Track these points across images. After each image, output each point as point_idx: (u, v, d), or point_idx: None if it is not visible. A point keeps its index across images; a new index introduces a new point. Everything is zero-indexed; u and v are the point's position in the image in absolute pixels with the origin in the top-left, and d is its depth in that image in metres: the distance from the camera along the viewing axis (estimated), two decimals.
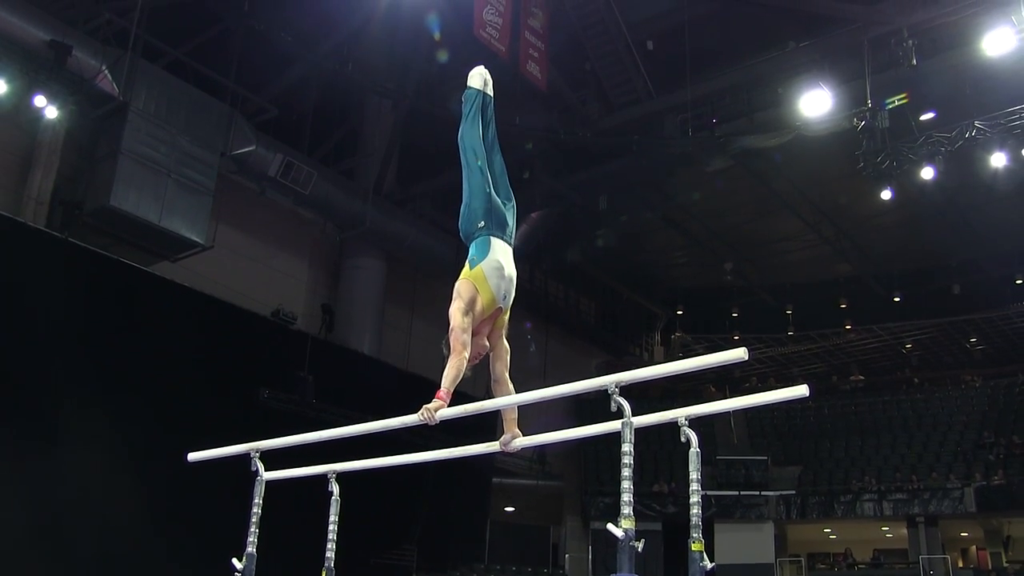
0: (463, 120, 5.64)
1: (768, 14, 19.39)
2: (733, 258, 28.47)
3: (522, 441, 5.42)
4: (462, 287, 5.26)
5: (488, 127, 5.69)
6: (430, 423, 5.01)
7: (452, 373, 5.05)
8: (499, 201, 5.49)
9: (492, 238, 5.39)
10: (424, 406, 4.99)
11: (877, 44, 17.51)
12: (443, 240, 22.71)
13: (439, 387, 5.01)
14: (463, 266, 5.40)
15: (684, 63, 18.87)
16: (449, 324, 5.17)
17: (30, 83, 15.11)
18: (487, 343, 5.36)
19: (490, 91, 5.70)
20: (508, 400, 5.15)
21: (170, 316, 16.18)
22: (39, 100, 15.23)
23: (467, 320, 5.16)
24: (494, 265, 5.30)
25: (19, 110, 15.75)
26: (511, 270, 5.37)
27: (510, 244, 5.48)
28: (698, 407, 4.85)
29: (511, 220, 5.54)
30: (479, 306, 5.22)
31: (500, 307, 5.33)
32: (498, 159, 5.66)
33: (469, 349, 5.13)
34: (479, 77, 5.69)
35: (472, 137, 5.60)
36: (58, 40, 14.94)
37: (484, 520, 23.85)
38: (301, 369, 18.30)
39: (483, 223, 5.40)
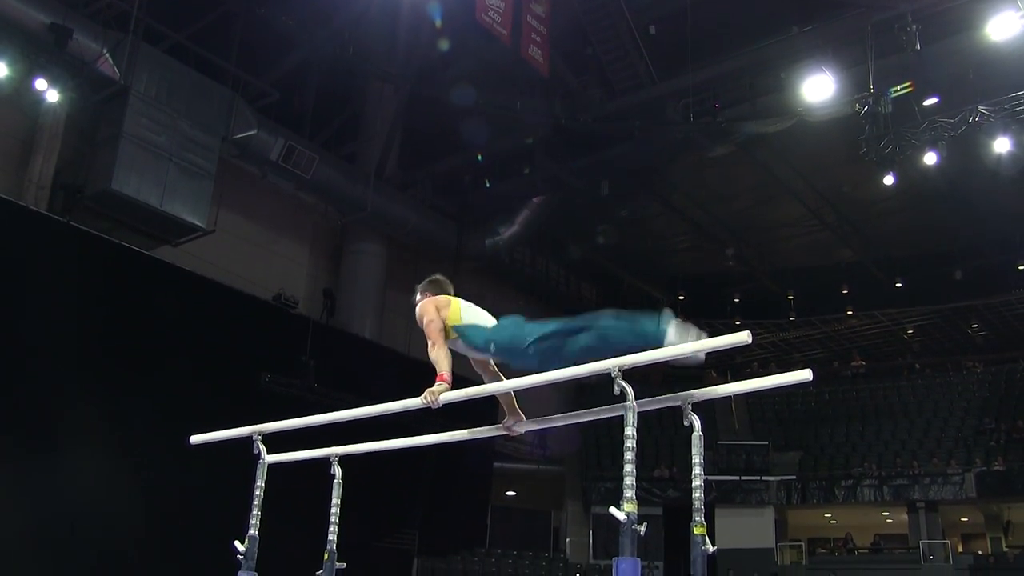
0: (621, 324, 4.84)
1: None
2: (735, 243, 28.42)
3: (525, 425, 5.42)
4: (438, 312, 5.29)
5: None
6: (433, 407, 5.00)
7: (443, 357, 5.08)
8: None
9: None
10: (427, 389, 4.98)
11: (880, 29, 17.44)
12: (444, 224, 22.75)
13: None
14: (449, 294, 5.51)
15: (686, 48, 18.81)
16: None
17: (31, 66, 15.07)
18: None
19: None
20: (510, 384, 5.14)
21: (171, 300, 16.16)
22: (40, 84, 15.18)
23: (439, 315, 5.25)
24: (475, 349, 5.30)
25: (20, 94, 15.71)
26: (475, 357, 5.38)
27: None
28: (702, 391, 4.83)
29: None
30: (436, 325, 5.25)
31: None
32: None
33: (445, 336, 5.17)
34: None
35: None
36: (59, 23, 14.89)
37: (485, 504, 23.89)
38: (302, 353, 18.30)
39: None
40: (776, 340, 31.47)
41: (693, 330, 4.62)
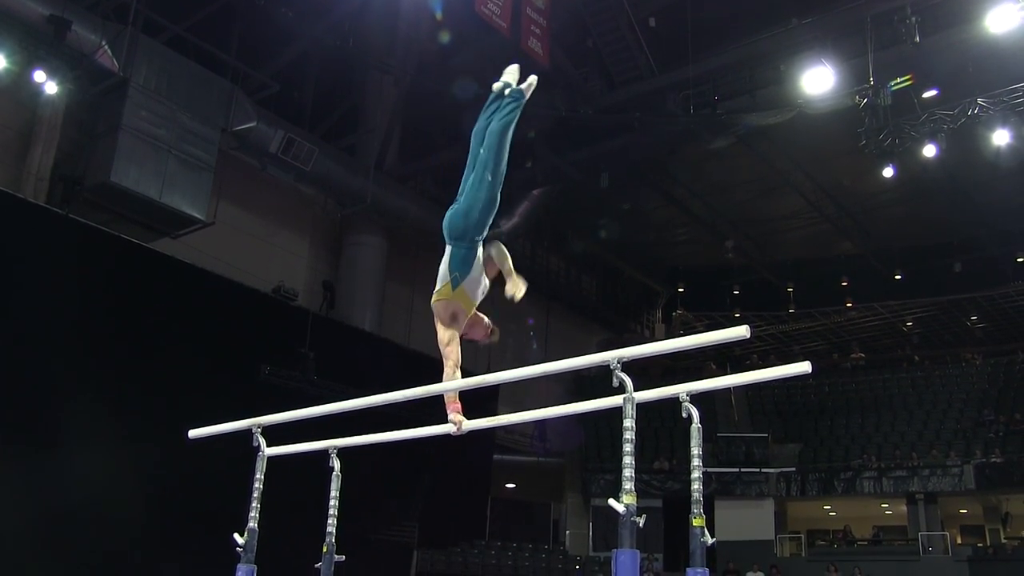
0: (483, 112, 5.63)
1: None
2: (734, 236, 28.45)
3: (523, 416, 5.44)
4: (446, 308, 5.32)
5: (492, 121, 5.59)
6: (457, 433, 5.21)
7: (450, 384, 5.15)
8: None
9: (477, 248, 5.39)
10: (451, 418, 5.16)
11: (880, 21, 17.44)
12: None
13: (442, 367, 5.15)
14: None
15: (686, 40, 18.82)
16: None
17: (29, 58, 15.03)
18: (488, 323, 5.39)
19: (510, 90, 5.64)
20: (512, 374, 5.15)
21: (171, 293, 16.18)
22: (39, 75, 15.15)
23: (452, 333, 5.27)
24: (475, 277, 5.34)
25: (19, 85, 15.71)
26: (480, 273, 5.39)
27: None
28: (700, 383, 4.84)
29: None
30: (462, 318, 5.32)
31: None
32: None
33: (458, 357, 5.21)
34: (508, 74, 5.72)
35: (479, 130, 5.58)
36: (57, 15, 14.86)
37: (485, 497, 23.94)
38: (302, 346, 18.33)
39: (478, 237, 5.37)
40: (776, 332, 31.49)
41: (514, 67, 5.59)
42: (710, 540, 4.37)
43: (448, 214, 5.51)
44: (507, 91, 5.60)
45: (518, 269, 5.43)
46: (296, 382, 17.74)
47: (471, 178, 5.44)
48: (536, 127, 21.08)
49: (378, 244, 21.96)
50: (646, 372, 25.44)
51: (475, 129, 5.58)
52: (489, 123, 5.52)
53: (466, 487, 22.47)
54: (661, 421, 26.44)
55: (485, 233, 5.38)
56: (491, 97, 5.61)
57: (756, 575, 22.48)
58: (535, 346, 25.84)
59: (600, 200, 25.60)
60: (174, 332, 15.92)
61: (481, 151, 5.46)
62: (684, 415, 4.57)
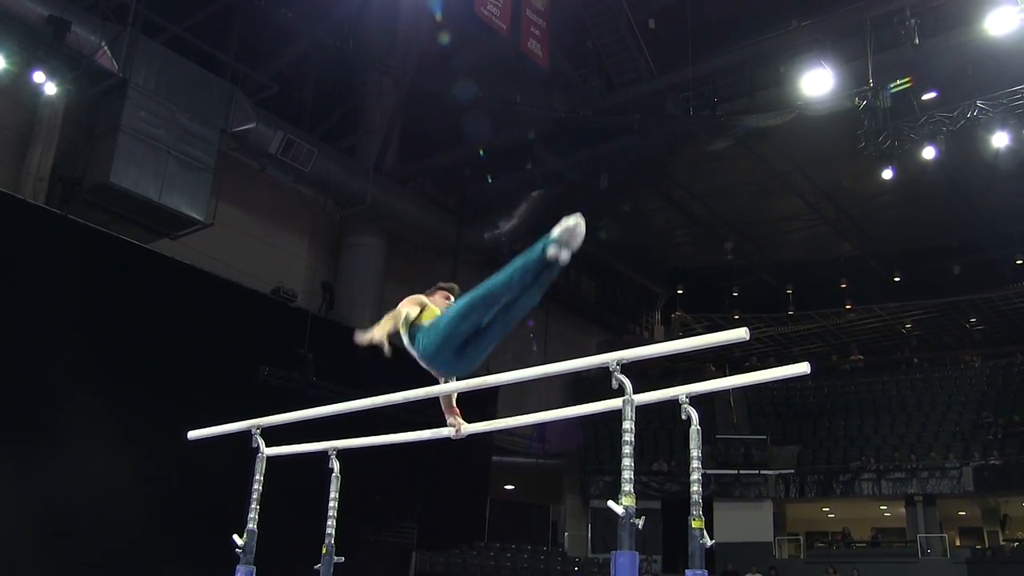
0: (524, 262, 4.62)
1: None
2: (733, 237, 28.45)
3: (522, 420, 5.44)
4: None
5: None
6: (456, 436, 5.35)
7: (449, 387, 5.22)
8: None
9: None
10: (450, 421, 5.29)
11: (879, 23, 17.47)
12: (444, 218, 22.74)
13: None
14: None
15: (686, 42, 18.84)
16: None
17: (29, 59, 15.05)
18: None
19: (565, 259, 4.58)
20: (513, 376, 5.14)
21: (170, 294, 16.16)
22: (38, 76, 15.16)
23: (406, 315, 5.34)
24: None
25: (18, 86, 15.71)
26: None
27: None
28: (699, 384, 4.85)
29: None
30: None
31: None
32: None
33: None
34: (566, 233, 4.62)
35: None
36: (57, 15, 14.87)
37: (484, 498, 23.92)
38: (301, 347, 18.32)
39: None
40: (775, 334, 31.47)
41: (573, 217, 4.69)
42: (709, 542, 4.38)
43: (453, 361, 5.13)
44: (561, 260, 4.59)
45: None
46: (295, 383, 17.74)
47: (487, 342, 4.97)
48: (535, 128, 21.11)
49: (377, 245, 21.96)
50: (645, 374, 25.42)
51: (509, 282, 4.65)
52: (526, 292, 4.67)
53: (465, 489, 22.47)
54: (660, 423, 26.42)
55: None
56: (537, 258, 4.57)
57: None
58: (535, 348, 25.85)
59: (599, 201, 25.58)
60: (173, 333, 15.90)
61: (507, 318, 4.80)
62: (683, 417, 4.58)
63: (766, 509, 24.72)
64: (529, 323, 26.22)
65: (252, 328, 17.81)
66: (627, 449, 4.12)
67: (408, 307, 5.25)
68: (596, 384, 21.37)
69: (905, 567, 22.40)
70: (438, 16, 18.65)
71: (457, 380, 5.22)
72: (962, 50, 17.30)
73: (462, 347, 4.93)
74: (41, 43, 14.85)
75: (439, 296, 5.43)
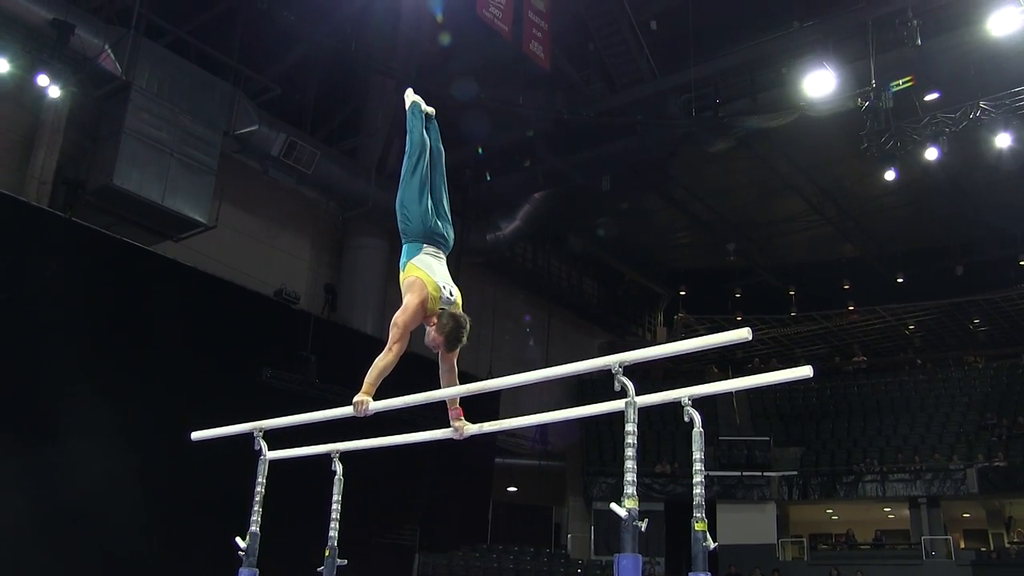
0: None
1: None
2: (736, 238, 28.44)
3: (525, 421, 5.43)
4: (414, 285, 5.41)
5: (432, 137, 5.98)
6: (459, 437, 5.38)
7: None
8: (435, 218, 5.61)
9: (424, 247, 5.49)
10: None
11: (881, 24, 17.42)
12: None
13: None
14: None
15: (687, 43, 18.83)
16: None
17: (33, 62, 15.09)
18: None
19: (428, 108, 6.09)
20: (516, 379, 5.14)
21: (173, 296, 16.18)
22: (42, 79, 15.18)
23: (413, 319, 5.38)
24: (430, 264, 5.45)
25: (22, 89, 15.75)
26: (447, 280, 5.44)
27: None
28: (702, 387, 4.84)
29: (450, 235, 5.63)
30: (428, 306, 5.36)
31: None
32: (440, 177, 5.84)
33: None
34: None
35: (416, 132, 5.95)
36: (60, 19, 14.88)
37: (486, 500, 23.90)
38: (304, 349, 18.32)
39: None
40: (777, 335, 31.46)
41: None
42: (712, 544, 4.38)
43: (444, 217, 5.71)
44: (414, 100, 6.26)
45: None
46: (298, 385, 17.74)
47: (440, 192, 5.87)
48: (537, 129, 21.10)
49: (380, 247, 21.96)
50: (648, 375, 25.48)
51: (436, 148, 6.10)
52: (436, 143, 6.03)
53: (468, 491, 22.47)
54: (663, 425, 26.44)
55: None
56: (420, 114, 6.18)
57: None
58: (531, 343, 25.81)
59: (601, 203, 25.62)
60: (176, 335, 15.91)
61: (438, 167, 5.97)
62: (686, 419, 4.57)
63: (769, 511, 24.71)
64: (526, 317, 26.21)
65: (255, 330, 17.83)
66: (630, 451, 4.13)
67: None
68: (598, 384, 21.37)
69: (909, 569, 22.39)
70: (440, 18, 18.66)
71: (451, 315, 5.34)
72: (964, 51, 17.28)
73: (427, 201, 5.62)
74: (45, 46, 14.88)
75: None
